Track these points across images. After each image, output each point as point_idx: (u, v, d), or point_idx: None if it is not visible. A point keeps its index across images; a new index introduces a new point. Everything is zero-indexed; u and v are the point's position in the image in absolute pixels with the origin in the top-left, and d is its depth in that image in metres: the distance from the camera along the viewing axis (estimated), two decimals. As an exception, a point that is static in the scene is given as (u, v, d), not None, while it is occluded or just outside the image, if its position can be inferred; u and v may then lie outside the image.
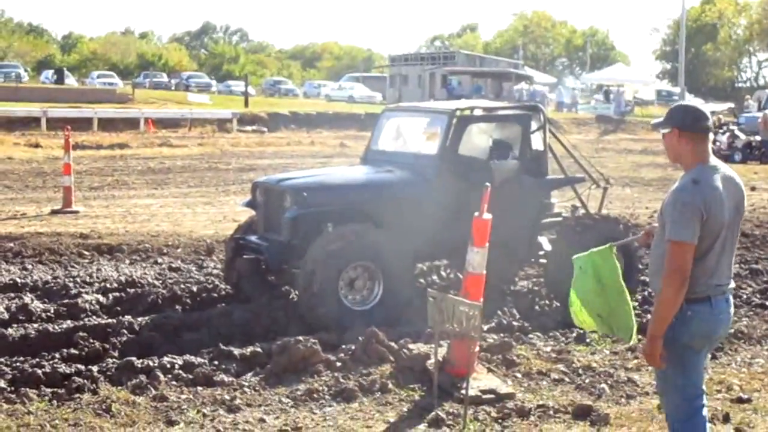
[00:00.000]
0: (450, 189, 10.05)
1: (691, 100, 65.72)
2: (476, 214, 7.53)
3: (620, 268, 5.40)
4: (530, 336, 9.10)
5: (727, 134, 34.25)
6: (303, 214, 9.72)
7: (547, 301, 10.78)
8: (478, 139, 10.69)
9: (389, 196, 10.07)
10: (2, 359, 7.98)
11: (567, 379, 7.73)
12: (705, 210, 4.66)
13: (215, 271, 11.89)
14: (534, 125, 10.77)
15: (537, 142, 10.77)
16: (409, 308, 9.59)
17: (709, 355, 8.30)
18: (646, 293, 10.70)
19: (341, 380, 7.37)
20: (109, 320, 9.44)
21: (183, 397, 7.03)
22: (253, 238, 10.36)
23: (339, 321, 9.08)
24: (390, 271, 9.48)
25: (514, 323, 9.60)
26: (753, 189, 23.03)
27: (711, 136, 4.98)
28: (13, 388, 7.23)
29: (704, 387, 5.07)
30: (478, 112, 10.87)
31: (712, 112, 37.40)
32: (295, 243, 9.73)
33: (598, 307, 5.46)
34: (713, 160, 4.92)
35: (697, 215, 4.63)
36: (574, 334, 9.12)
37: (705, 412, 5.02)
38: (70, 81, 69.00)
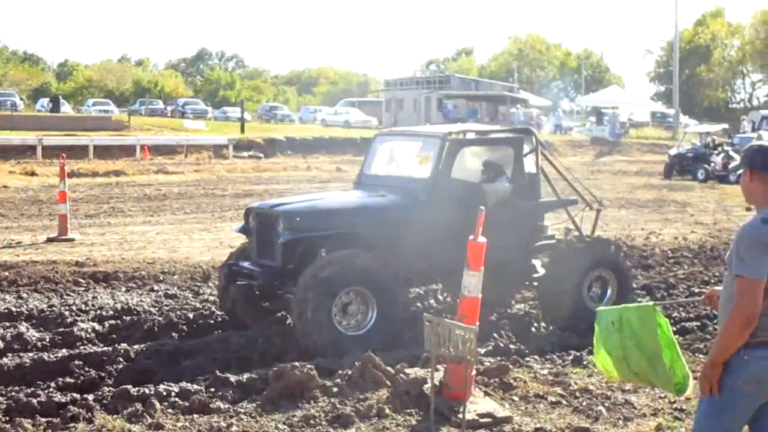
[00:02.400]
0: (443, 212, 10.05)
1: (686, 121, 65.97)
2: (471, 237, 7.52)
3: (667, 325, 5.18)
4: (527, 359, 9.08)
5: (722, 155, 34.34)
6: (296, 239, 9.73)
7: (543, 324, 10.78)
8: (470, 163, 10.72)
9: (382, 220, 10.09)
10: (-3, 389, 7.95)
11: (564, 402, 7.70)
12: None
13: (211, 298, 11.87)
14: (526, 148, 10.81)
15: (529, 165, 10.81)
16: (405, 332, 9.59)
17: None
18: None
19: (338, 406, 7.34)
20: (105, 348, 9.42)
21: (179, 425, 6.99)
22: (247, 264, 10.34)
23: (334, 347, 9.05)
24: (383, 296, 9.46)
25: (511, 346, 9.60)
26: (748, 209, 23.04)
27: None
28: (7, 418, 7.21)
29: None
30: (470, 136, 10.88)
31: (707, 133, 37.54)
32: (288, 268, 9.74)
33: (634, 364, 5.28)
34: None
35: (764, 252, 4.53)
36: (571, 357, 9.12)
37: None
38: (66, 109, 69.02)
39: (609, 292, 10.72)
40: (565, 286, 10.38)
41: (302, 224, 9.79)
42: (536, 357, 9.22)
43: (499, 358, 8.96)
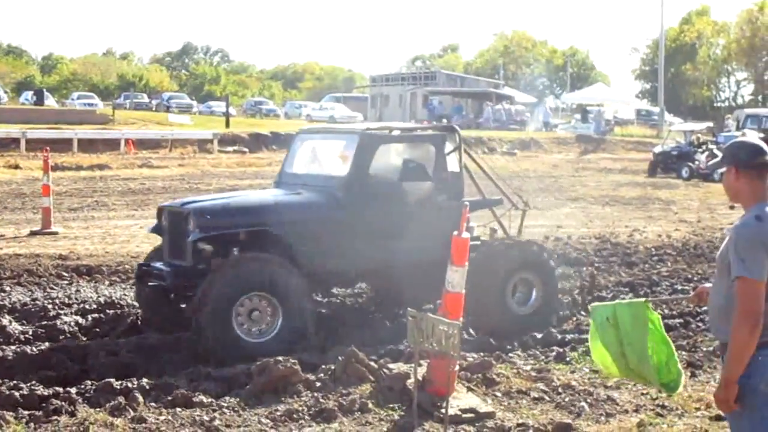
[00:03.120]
0: (361, 211, 9.90)
1: (671, 119, 66.21)
2: (455, 233, 7.52)
3: (658, 321, 5.12)
4: (510, 355, 9.11)
5: (706, 153, 34.47)
6: (205, 238, 9.41)
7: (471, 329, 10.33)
8: (390, 160, 10.46)
9: (296, 219, 9.83)
10: (-21, 382, 7.91)
11: (547, 398, 7.72)
12: None
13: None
14: (449, 146, 10.58)
15: (452, 163, 10.57)
16: (385, 327, 9.52)
17: (689, 373, 8.35)
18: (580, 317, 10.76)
19: (321, 400, 7.35)
20: (88, 342, 9.41)
21: (161, 418, 6.97)
22: (158, 264, 10.00)
23: (232, 353, 8.73)
24: (288, 301, 9.14)
25: (493, 342, 9.60)
26: (732, 208, 23.19)
27: None
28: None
29: None
30: (389, 133, 10.63)
31: (691, 131, 37.68)
32: (199, 268, 9.42)
33: (628, 359, 5.24)
34: None
35: (763, 251, 4.37)
36: (554, 353, 9.14)
37: None
38: (50, 102, 68.78)
39: (534, 294, 10.43)
40: (487, 288, 10.04)
41: (212, 223, 9.48)
42: (519, 353, 9.26)
43: (482, 353, 8.97)
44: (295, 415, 7.10)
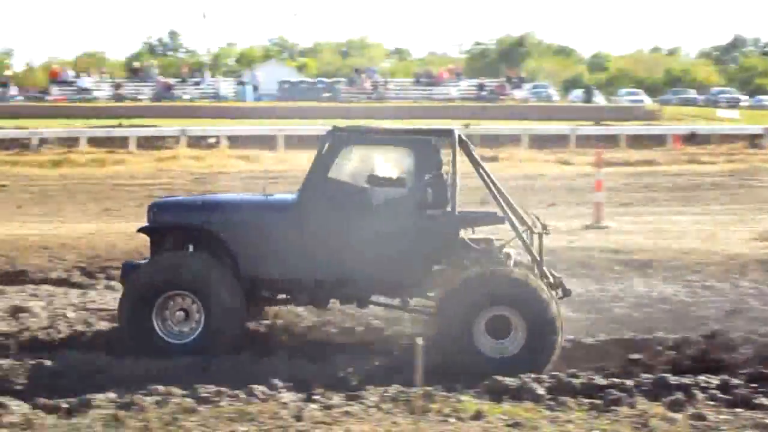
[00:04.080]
0: (315, 216, 8.95)
1: None
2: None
3: None
4: None
5: None
6: (153, 230, 9.39)
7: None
8: (359, 163, 9.30)
9: (238, 219, 9.19)
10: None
11: None
12: None
13: (750, 291, 11.58)
14: (438, 153, 9.12)
15: (441, 171, 9.03)
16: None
17: None
18: None
19: None
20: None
21: (721, 418, 6.93)
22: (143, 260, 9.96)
23: (149, 352, 8.54)
24: (211, 303, 8.68)
25: None
26: None
27: None
28: (552, 397, 7.53)
29: None
30: (360, 133, 9.39)
31: None
32: None
33: None
34: None
35: None
36: None
37: None
38: (598, 99, 70.48)
39: (517, 335, 8.46)
40: (451, 321, 8.42)
41: (157, 216, 9.37)
42: None
43: None
44: None
